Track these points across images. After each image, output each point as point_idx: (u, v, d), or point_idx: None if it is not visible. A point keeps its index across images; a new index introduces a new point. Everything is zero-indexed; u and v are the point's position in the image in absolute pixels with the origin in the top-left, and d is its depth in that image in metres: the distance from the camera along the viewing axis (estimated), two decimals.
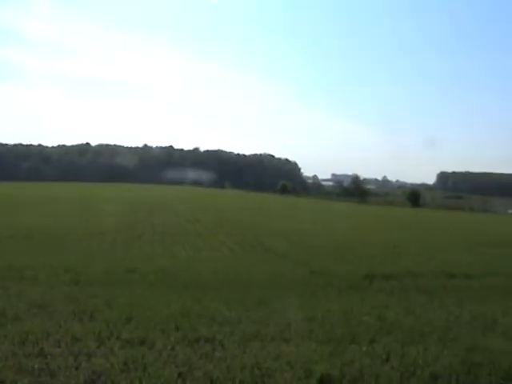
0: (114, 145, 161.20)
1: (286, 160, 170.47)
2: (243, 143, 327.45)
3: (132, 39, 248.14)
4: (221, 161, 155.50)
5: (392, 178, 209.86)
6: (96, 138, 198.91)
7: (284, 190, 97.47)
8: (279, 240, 20.44)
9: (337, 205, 62.36)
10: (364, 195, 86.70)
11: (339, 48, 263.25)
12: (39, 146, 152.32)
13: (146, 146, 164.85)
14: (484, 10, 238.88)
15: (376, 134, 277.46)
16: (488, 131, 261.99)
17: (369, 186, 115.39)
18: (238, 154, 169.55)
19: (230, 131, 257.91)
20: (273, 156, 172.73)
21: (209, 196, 67.13)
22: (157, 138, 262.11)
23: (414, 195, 71.08)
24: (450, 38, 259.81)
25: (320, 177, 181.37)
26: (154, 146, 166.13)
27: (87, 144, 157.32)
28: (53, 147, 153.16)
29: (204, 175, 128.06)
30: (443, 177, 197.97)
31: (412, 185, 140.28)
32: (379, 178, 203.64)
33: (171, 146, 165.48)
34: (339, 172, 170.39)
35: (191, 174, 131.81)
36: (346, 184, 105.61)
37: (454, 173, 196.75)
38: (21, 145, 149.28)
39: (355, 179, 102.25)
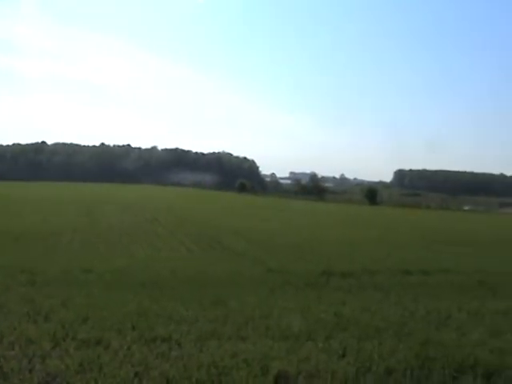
0: (71, 143, 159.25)
1: (245, 158, 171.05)
2: (202, 142, 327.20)
3: (90, 38, 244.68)
4: (180, 159, 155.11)
5: (350, 175, 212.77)
6: (52, 136, 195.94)
7: (242, 189, 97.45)
8: (237, 239, 20.49)
9: (295, 203, 62.67)
10: (322, 193, 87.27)
11: (301, 47, 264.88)
12: None
13: (103, 144, 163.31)
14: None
15: (334, 132, 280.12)
16: (443, 130, 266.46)
17: (327, 184, 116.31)
18: (197, 153, 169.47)
19: (188, 130, 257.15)
20: (231, 154, 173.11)
21: (168, 195, 66.69)
22: (114, 136, 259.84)
23: (371, 193, 71.86)
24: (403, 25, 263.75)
25: (278, 175, 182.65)
26: (112, 144, 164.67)
27: (43, 143, 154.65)
28: (7, 146, 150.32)
29: (161, 173, 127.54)
30: (400, 174, 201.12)
31: (369, 182, 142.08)
32: (337, 175, 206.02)
33: (129, 145, 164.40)
34: (297, 170, 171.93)
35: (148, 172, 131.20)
36: (304, 182, 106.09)
37: (410, 170, 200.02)
38: None
39: (313, 177, 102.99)
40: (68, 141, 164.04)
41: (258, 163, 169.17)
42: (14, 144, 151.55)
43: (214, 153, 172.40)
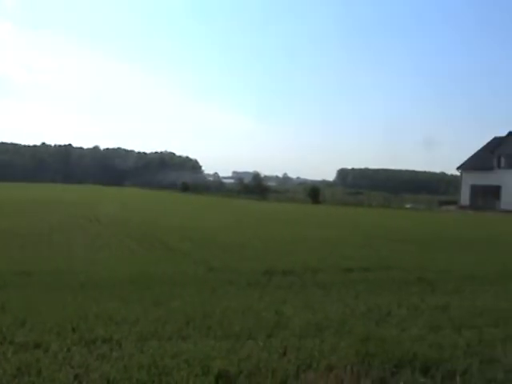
0: (11, 143, 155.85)
1: (187, 158, 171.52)
2: (144, 142, 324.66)
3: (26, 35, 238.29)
4: (121, 159, 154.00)
5: (293, 175, 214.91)
6: None
7: (185, 188, 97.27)
8: (180, 238, 20.38)
9: (237, 202, 62.81)
10: (265, 192, 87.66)
11: (245, 44, 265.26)
12: None
13: (44, 144, 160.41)
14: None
15: (277, 131, 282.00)
16: (383, 130, 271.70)
17: (270, 183, 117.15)
18: (139, 152, 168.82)
19: (131, 129, 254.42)
20: (174, 154, 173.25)
21: (109, 195, 65.82)
22: (55, 136, 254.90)
23: (313, 191, 72.50)
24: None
25: (221, 174, 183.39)
26: (53, 144, 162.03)
27: None
28: None
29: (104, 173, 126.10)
30: (343, 173, 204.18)
31: (312, 181, 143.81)
32: (280, 175, 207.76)
33: (70, 145, 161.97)
34: (240, 170, 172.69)
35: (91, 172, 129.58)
36: (246, 181, 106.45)
37: (353, 169, 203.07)
38: None
39: (256, 176, 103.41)
40: (8, 140, 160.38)
41: (201, 163, 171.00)
42: None
43: (156, 152, 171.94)
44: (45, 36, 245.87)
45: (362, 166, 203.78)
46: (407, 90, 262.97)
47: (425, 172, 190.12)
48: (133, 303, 8.24)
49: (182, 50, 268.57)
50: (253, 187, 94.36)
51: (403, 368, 5.27)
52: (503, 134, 69.36)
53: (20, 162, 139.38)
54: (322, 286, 10.79)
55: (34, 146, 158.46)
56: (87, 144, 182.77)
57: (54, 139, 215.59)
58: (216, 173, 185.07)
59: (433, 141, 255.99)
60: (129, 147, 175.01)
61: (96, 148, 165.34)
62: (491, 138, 74.12)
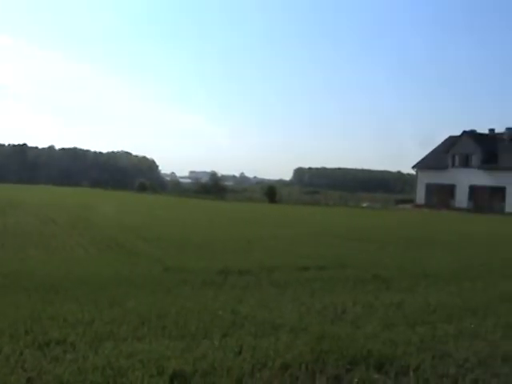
0: None
1: (144, 158, 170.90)
2: (101, 141, 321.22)
3: None
4: (77, 159, 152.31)
5: (250, 174, 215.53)
6: None
7: (142, 188, 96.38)
8: (136, 239, 20.24)
9: (194, 202, 62.59)
10: (222, 192, 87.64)
11: (203, 45, 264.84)
12: None
13: None
14: None
15: (234, 131, 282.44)
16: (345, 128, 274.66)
17: (227, 183, 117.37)
18: (95, 152, 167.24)
19: (87, 129, 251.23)
20: (130, 154, 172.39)
21: (65, 195, 64.82)
22: (8, 136, 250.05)
23: (270, 191, 72.71)
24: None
25: (178, 174, 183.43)
26: (7, 143, 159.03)
27: None
28: None
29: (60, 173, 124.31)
30: (300, 172, 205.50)
31: (269, 181, 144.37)
32: (237, 174, 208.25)
33: (25, 144, 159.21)
34: (198, 169, 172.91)
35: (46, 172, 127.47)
36: (204, 181, 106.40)
37: (310, 168, 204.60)
38: None
39: (213, 176, 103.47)
40: None
41: (158, 162, 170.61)
42: None
43: (113, 152, 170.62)
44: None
45: (319, 166, 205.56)
46: (364, 88, 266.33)
47: (381, 171, 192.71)
48: (88, 304, 8.16)
49: (139, 50, 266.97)
50: (210, 187, 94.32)
51: (358, 365, 5.35)
52: (458, 133, 70.81)
53: None
54: (278, 284, 10.85)
55: None
56: (43, 144, 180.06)
57: (9, 139, 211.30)
58: (173, 172, 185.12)
59: (391, 139, 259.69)
60: (85, 147, 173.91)
61: (51, 148, 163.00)
62: (446, 137, 75.60)
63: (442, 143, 75.08)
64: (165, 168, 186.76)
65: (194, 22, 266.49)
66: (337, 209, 59.35)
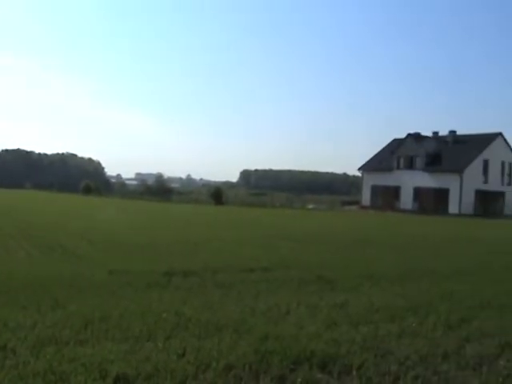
0: None
1: (90, 159, 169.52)
2: (45, 142, 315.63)
3: None
4: (21, 160, 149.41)
5: (196, 176, 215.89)
6: None
7: (87, 190, 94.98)
8: (80, 241, 19.99)
9: (140, 203, 62.13)
10: (168, 194, 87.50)
11: (154, 46, 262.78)
12: None
13: None
14: None
15: (180, 133, 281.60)
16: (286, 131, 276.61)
17: (173, 185, 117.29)
18: (40, 154, 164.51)
19: (32, 130, 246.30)
20: (76, 155, 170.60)
21: (8, 197, 63.36)
22: None
23: (216, 193, 72.90)
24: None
25: (124, 176, 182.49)
26: None
27: None
28: None
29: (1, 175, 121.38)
30: (246, 174, 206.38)
31: (216, 183, 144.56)
32: (183, 176, 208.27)
33: None
34: (144, 171, 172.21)
35: None
36: (150, 183, 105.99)
37: (256, 170, 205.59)
38: None
39: (159, 178, 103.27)
40: None
41: (104, 164, 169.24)
42: None
43: (58, 153, 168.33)
44: None
45: (266, 167, 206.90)
46: (312, 91, 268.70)
47: (327, 173, 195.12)
48: (29, 308, 8.00)
49: (88, 48, 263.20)
50: (156, 189, 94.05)
51: (301, 365, 5.41)
52: (402, 135, 72.26)
53: None
54: (223, 286, 10.86)
55: None
56: None
57: None
58: (119, 174, 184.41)
59: (337, 141, 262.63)
60: (29, 148, 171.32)
61: None
62: (391, 140, 77.05)
63: (387, 145, 76.58)
64: (111, 170, 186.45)
65: (150, 22, 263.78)
66: (283, 210, 59.73)
